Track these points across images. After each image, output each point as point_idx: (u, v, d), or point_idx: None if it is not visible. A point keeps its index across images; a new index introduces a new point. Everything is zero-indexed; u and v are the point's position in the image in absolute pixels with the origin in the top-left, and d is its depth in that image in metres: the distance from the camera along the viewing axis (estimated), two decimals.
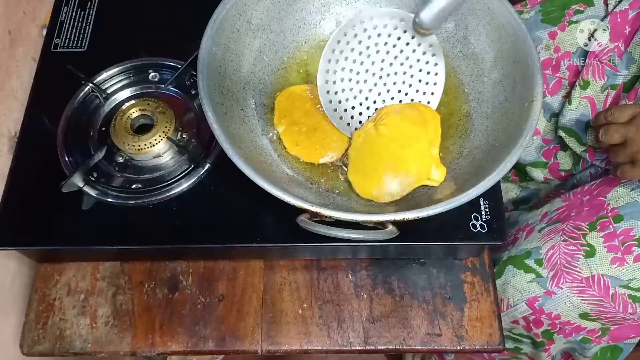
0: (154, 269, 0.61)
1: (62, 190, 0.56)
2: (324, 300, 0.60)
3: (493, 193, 0.56)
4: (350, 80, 0.57)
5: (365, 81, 0.57)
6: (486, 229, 0.54)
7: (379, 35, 0.55)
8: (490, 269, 0.62)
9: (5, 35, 0.66)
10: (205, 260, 0.62)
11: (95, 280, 0.61)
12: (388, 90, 0.57)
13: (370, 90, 0.57)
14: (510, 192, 0.86)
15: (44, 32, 0.71)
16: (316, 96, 0.58)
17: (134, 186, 0.58)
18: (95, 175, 0.58)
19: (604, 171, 0.71)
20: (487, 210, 0.55)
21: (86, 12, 0.70)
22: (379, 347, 0.59)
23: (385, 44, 0.55)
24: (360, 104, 0.57)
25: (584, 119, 0.70)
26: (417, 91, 0.57)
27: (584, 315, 0.65)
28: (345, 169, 0.56)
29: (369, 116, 0.57)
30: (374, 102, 0.57)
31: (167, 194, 0.57)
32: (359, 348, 0.58)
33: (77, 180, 0.56)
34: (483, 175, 0.47)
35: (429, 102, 0.57)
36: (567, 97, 0.71)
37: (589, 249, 0.63)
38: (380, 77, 0.57)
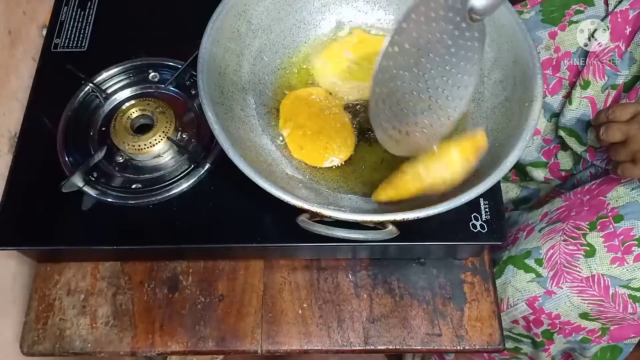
0: (154, 269, 0.61)
1: (62, 190, 0.56)
2: (324, 300, 0.60)
3: (493, 193, 0.56)
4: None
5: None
6: (486, 229, 0.54)
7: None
8: (490, 269, 0.62)
9: (5, 35, 0.66)
10: (205, 260, 0.62)
11: (95, 280, 0.61)
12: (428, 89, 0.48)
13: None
14: (510, 192, 0.86)
15: (44, 32, 0.71)
16: (321, 99, 0.57)
17: (134, 186, 0.58)
18: (95, 175, 0.58)
19: (604, 171, 0.71)
20: (487, 210, 0.55)
21: (86, 12, 0.70)
22: (379, 347, 0.59)
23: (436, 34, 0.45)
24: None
25: (585, 119, 0.70)
26: (453, 85, 0.49)
27: (584, 315, 0.65)
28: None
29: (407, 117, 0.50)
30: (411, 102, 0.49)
31: (167, 194, 0.57)
32: (359, 348, 0.58)
33: (77, 180, 0.56)
34: (483, 175, 0.47)
35: (461, 98, 0.49)
36: (568, 97, 0.71)
37: (589, 248, 0.63)
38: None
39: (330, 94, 0.59)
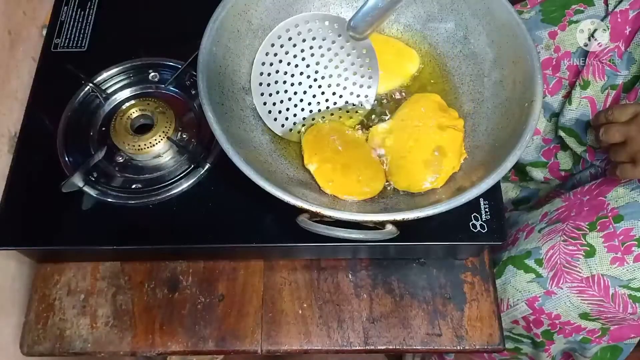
0: (154, 269, 0.61)
1: (62, 190, 0.56)
2: (324, 300, 0.60)
3: (493, 193, 0.56)
4: (284, 82, 0.56)
5: (300, 83, 0.57)
6: (486, 229, 0.54)
7: (313, 38, 0.55)
8: (490, 269, 0.62)
9: (5, 35, 0.66)
10: (205, 260, 0.62)
11: (95, 280, 0.61)
12: (323, 93, 0.57)
13: (305, 92, 0.57)
14: (510, 192, 0.86)
15: (44, 32, 0.71)
16: (343, 133, 0.57)
17: (134, 186, 0.58)
18: (95, 175, 0.58)
19: (603, 171, 0.71)
20: (487, 210, 0.55)
21: (86, 12, 0.70)
22: (379, 347, 0.59)
23: (320, 47, 0.55)
24: (295, 105, 0.57)
25: (584, 119, 0.70)
26: (351, 94, 0.58)
27: (584, 315, 0.65)
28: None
29: (304, 117, 0.57)
30: (309, 103, 0.57)
31: (167, 194, 0.57)
32: (359, 348, 0.58)
33: (77, 180, 0.56)
34: (483, 176, 0.47)
35: (361, 104, 0.58)
36: (567, 97, 0.71)
37: (589, 249, 0.63)
38: (315, 80, 0.57)
39: (350, 127, 0.59)
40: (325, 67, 0.57)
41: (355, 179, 0.54)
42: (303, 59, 0.56)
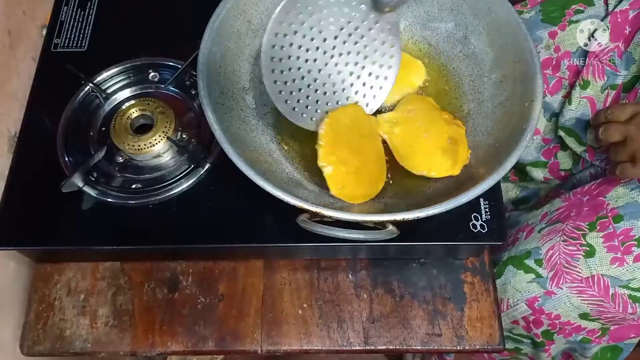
0: (154, 269, 0.61)
1: (62, 190, 0.56)
2: (324, 300, 0.60)
3: (493, 193, 0.56)
4: (298, 58, 0.52)
5: (315, 60, 0.53)
6: (486, 229, 0.54)
7: (333, 7, 0.50)
8: (490, 269, 0.62)
9: (5, 35, 0.66)
10: (205, 260, 0.62)
11: (95, 280, 0.61)
12: (339, 72, 0.54)
13: (320, 71, 0.53)
14: (510, 192, 0.86)
15: (44, 32, 0.71)
16: (359, 121, 0.54)
17: (134, 186, 0.58)
18: (95, 175, 0.58)
19: (603, 171, 0.71)
20: (487, 210, 0.55)
21: (86, 12, 0.70)
22: (379, 347, 0.59)
23: (340, 19, 0.51)
24: (309, 85, 0.53)
25: (584, 119, 0.70)
26: (369, 74, 0.54)
27: (584, 316, 0.65)
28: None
29: (317, 101, 0.54)
30: (324, 84, 0.54)
31: (167, 194, 0.57)
32: (359, 348, 0.58)
33: (77, 180, 0.56)
34: (483, 175, 0.47)
35: (381, 88, 0.55)
36: (567, 97, 0.71)
37: (588, 249, 0.63)
38: (332, 57, 0.53)
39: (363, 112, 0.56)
40: (344, 43, 0.53)
41: (365, 183, 0.53)
42: (320, 31, 0.52)
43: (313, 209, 0.45)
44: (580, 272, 0.63)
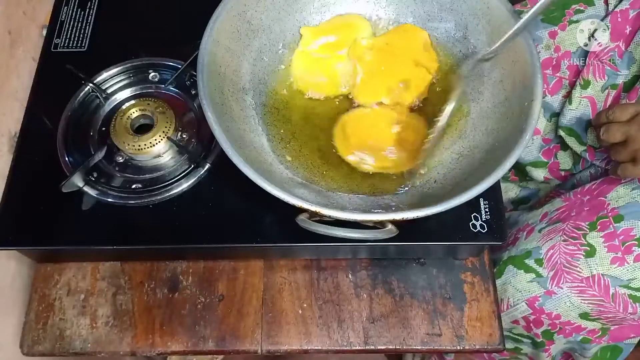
0: (154, 269, 0.61)
1: (62, 190, 0.56)
2: (324, 300, 0.60)
3: (493, 193, 0.56)
4: None
5: None
6: (486, 229, 0.54)
7: None
8: (490, 269, 0.62)
9: (5, 35, 0.66)
10: (205, 260, 0.62)
11: (95, 280, 0.61)
12: None
13: None
14: (510, 192, 0.86)
15: (44, 32, 0.71)
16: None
17: (134, 186, 0.58)
18: (95, 175, 0.58)
19: (604, 171, 0.71)
20: (487, 210, 0.55)
21: (86, 12, 0.70)
22: (379, 347, 0.58)
23: None
24: None
25: (585, 119, 0.70)
26: None
27: (584, 315, 0.65)
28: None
29: None
30: None
31: (167, 194, 0.57)
32: (359, 348, 0.58)
33: (77, 180, 0.56)
34: (483, 175, 0.47)
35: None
36: (568, 97, 0.71)
37: (589, 248, 0.63)
38: None
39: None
40: None
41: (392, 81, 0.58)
42: None
43: (313, 208, 0.45)
44: (580, 272, 0.63)
